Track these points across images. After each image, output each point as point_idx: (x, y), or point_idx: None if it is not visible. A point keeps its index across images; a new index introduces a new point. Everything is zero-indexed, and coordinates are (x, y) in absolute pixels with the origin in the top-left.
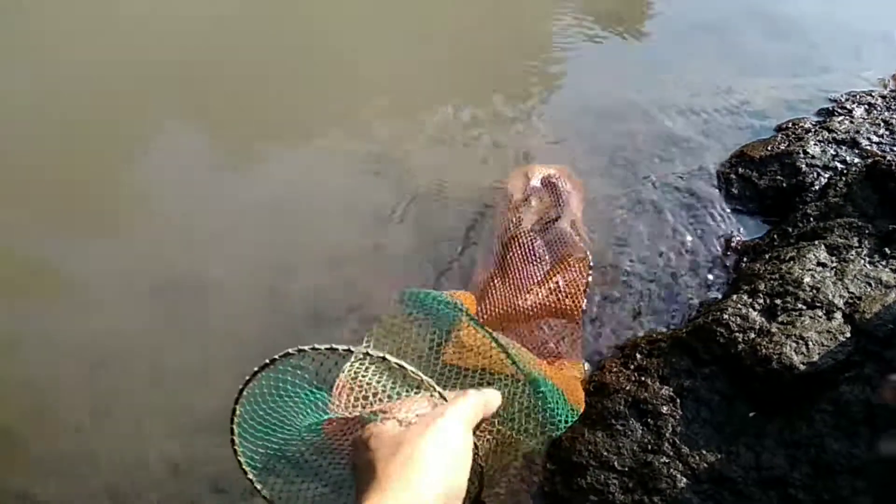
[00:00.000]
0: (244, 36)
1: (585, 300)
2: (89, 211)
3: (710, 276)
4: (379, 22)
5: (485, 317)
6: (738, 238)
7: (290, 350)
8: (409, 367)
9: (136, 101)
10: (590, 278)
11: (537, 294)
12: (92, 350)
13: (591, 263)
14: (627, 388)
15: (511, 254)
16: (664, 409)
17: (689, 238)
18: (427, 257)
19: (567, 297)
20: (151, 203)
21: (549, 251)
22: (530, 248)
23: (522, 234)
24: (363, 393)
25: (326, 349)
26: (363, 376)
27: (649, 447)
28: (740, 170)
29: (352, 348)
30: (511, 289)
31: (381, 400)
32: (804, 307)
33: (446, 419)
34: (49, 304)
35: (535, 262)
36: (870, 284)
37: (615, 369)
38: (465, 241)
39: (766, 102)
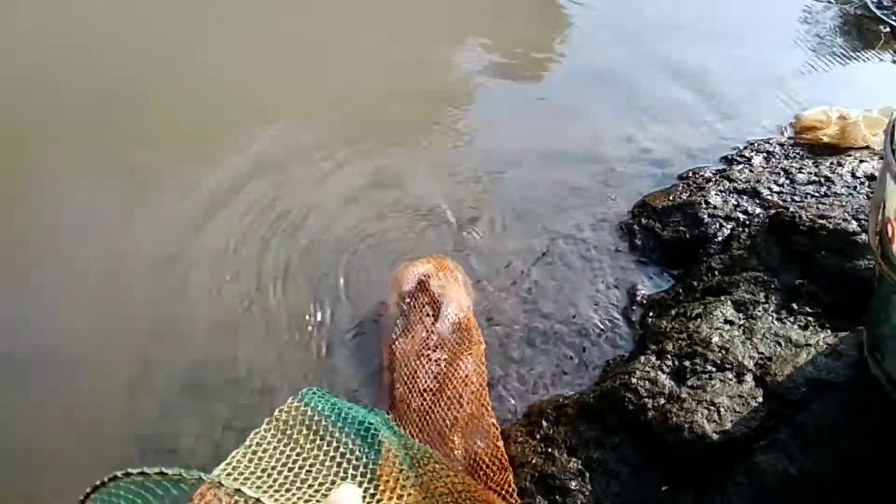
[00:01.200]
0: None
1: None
2: None
3: (617, 333)
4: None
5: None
6: (643, 292)
7: (114, 475)
8: None
9: None
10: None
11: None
12: None
13: (483, 346)
14: (534, 461)
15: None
16: (573, 485)
17: (593, 293)
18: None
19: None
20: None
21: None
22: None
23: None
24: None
25: (156, 474)
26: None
27: None
28: (643, 220)
29: (184, 473)
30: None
31: None
32: (714, 369)
33: None
34: None
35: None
36: (779, 344)
37: (521, 439)
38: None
39: (667, 150)
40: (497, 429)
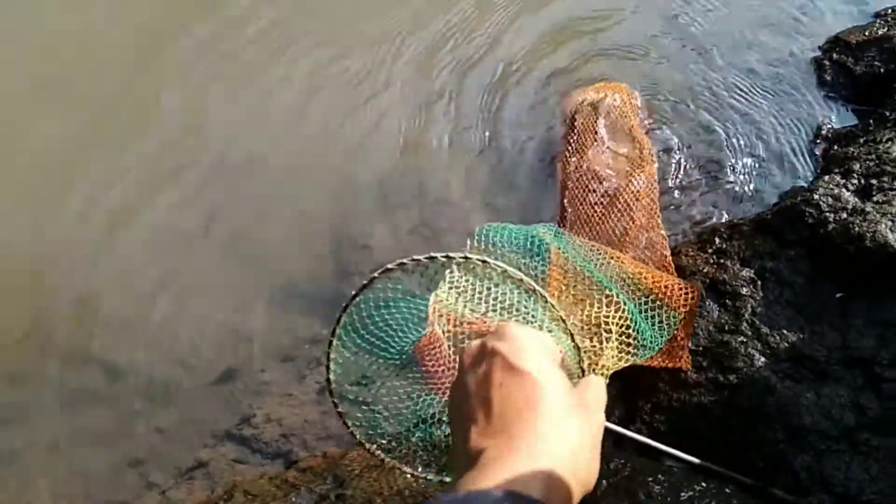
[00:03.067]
0: None
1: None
2: None
3: (799, 165)
4: None
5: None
6: (829, 126)
7: (390, 265)
8: (514, 272)
9: None
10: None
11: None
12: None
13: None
14: (705, 270)
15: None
16: (744, 291)
17: (777, 127)
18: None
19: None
20: None
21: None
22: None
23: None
24: (469, 296)
25: (426, 258)
26: (462, 288)
27: (726, 327)
28: (835, 56)
29: (450, 254)
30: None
31: (491, 308)
32: None
33: (591, 403)
34: None
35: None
36: None
37: (692, 253)
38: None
39: None
40: (665, 239)
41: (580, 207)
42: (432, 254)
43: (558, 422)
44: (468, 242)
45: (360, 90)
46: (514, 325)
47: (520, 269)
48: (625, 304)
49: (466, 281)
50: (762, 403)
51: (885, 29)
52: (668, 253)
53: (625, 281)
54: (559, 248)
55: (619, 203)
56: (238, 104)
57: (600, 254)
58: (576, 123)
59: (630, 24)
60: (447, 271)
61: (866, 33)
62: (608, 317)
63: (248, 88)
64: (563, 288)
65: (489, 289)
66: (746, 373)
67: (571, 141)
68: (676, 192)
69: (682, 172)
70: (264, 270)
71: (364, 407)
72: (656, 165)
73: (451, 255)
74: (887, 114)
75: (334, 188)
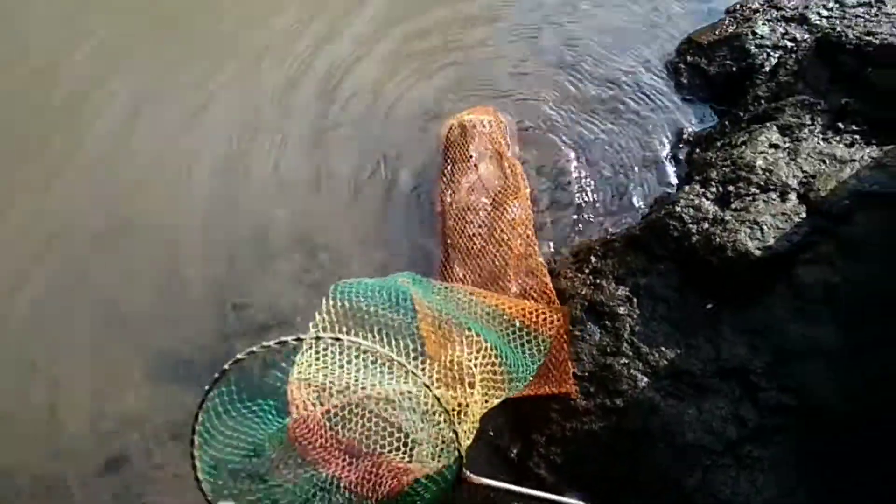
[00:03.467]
0: None
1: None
2: None
3: (664, 172)
4: None
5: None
6: (689, 129)
7: (240, 356)
8: (370, 345)
9: None
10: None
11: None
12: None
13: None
14: (583, 291)
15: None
16: (621, 310)
17: (640, 135)
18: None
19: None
20: None
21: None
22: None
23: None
24: (325, 380)
25: (276, 344)
26: (319, 367)
27: (608, 349)
28: (689, 58)
29: (301, 336)
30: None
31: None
32: (757, 191)
33: None
34: None
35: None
36: (824, 161)
37: (570, 275)
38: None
39: None
40: (544, 266)
41: (460, 241)
42: (282, 338)
43: None
44: (324, 302)
45: (225, 140)
46: None
47: (387, 324)
48: (486, 340)
49: (325, 357)
50: (648, 425)
51: (734, 27)
52: (548, 280)
53: (489, 315)
54: (420, 295)
55: (497, 234)
56: (100, 170)
57: (460, 293)
58: (448, 154)
59: (495, 49)
60: (300, 352)
61: (717, 32)
62: (471, 358)
63: (109, 150)
64: (429, 335)
65: (349, 362)
66: (631, 395)
67: (446, 172)
68: (550, 212)
69: (554, 192)
70: (142, 343)
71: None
72: (528, 189)
73: (301, 336)
74: (741, 114)
75: (209, 245)
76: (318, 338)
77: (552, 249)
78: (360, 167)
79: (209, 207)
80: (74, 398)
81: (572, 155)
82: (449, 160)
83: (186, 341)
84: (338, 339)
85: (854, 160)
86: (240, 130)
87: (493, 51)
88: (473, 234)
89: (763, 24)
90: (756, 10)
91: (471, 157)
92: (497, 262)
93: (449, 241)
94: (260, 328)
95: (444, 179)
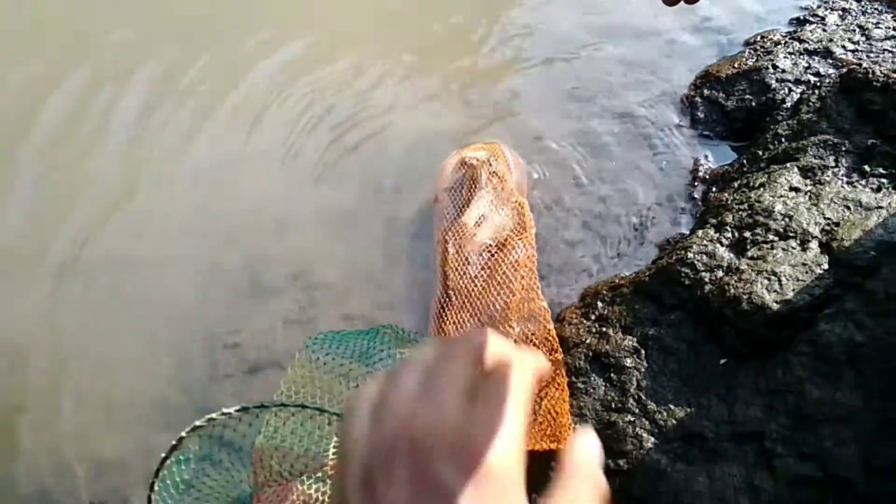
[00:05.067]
0: None
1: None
2: None
3: (677, 211)
4: None
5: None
6: (705, 166)
7: (198, 422)
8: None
9: None
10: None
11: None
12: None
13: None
14: (588, 340)
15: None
16: (628, 363)
17: (653, 172)
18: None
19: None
20: None
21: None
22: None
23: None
24: (286, 455)
25: (237, 411)
26: (282, 435)
27: (613, 405)
28: (706, 91)
29: (264, 403)
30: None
31: (311, 458)
32: (776, 238)
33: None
34: None
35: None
36: (848, 208)
37: (575, 321)
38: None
39: (733, 16)
40: (547, 311)
41: (461, 282)
42: (244, 404)
43: None
44: (296, 356)
45: (217, 168)
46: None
47: (363, 377)
48: None
49: (293, 423)
50: (655, 491)
51: (754, 59)
52: (551, 326)
53: None
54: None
55: (499, 275)
56: (85, 199)
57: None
58: (451, 191)
59: (503, 81)
60: (266, 418)
61: (735, 65)
62: None
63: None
64: None
65: (320, 427)
66: (636, 456)
67: (448, 210)
68: (557, 252)
69: (561, 231)
70: (125, 386)
71: None
72: (535, 230)
73: (265, 403)
74: (759, 153)
75: (197, 281)
76: (283, 405)
77: (557, 292)
78: (359, 202)
79: (200, 241)
80: (52, 441)
81: (582, 192)
82: (451, 197)
83: (174, 383)
84: (303, 407)
85: (881, 207)
86: (235, 162)
87: (501, 83)
88: (475, 276)
89: (785, 57)
90: (777, 43)
91: (474, 194)
92: (498, 306)
93: (448, 281)
94: (251, 368)
95: (446, 217)
